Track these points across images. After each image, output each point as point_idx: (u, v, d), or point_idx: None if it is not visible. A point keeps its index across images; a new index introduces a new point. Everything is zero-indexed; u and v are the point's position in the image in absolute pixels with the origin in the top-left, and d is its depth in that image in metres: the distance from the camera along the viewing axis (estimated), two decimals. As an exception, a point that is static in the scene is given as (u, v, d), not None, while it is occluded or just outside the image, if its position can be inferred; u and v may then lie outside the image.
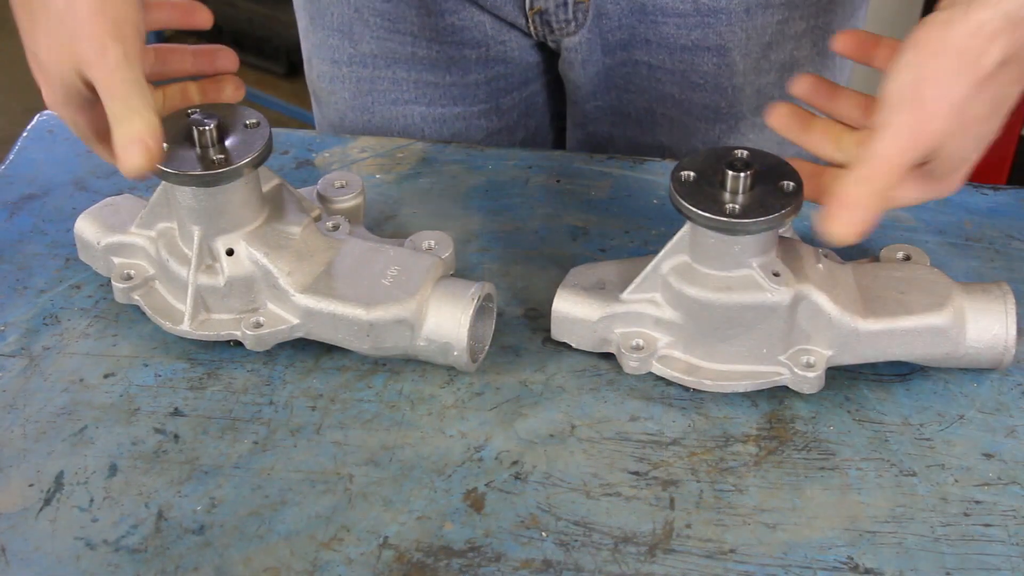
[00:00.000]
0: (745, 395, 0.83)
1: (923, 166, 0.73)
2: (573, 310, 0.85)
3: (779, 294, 0.79)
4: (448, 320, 0.81)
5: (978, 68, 0.69)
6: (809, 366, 0.80)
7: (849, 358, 0.82)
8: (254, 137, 0.81)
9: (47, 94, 0.81)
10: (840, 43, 0.80)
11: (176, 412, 0.82)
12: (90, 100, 0.80)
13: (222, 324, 0.85)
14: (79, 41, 0.77)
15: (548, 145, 1.24)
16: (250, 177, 0.82)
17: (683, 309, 0.81)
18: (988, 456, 0.79)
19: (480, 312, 0.84)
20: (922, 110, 0.70)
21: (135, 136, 0.76)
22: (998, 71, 0.70)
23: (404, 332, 0.82)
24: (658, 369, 0.83)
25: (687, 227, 0.80)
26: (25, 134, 1.08)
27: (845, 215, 0.72)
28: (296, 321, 0.83)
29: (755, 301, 0.79)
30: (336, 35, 1.11)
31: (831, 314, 0.79)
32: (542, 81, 1.16)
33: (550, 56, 1.14)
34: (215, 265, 0.83)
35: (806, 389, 0.81)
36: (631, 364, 0.83)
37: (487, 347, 0.86)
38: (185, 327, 0.85)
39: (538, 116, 1.20)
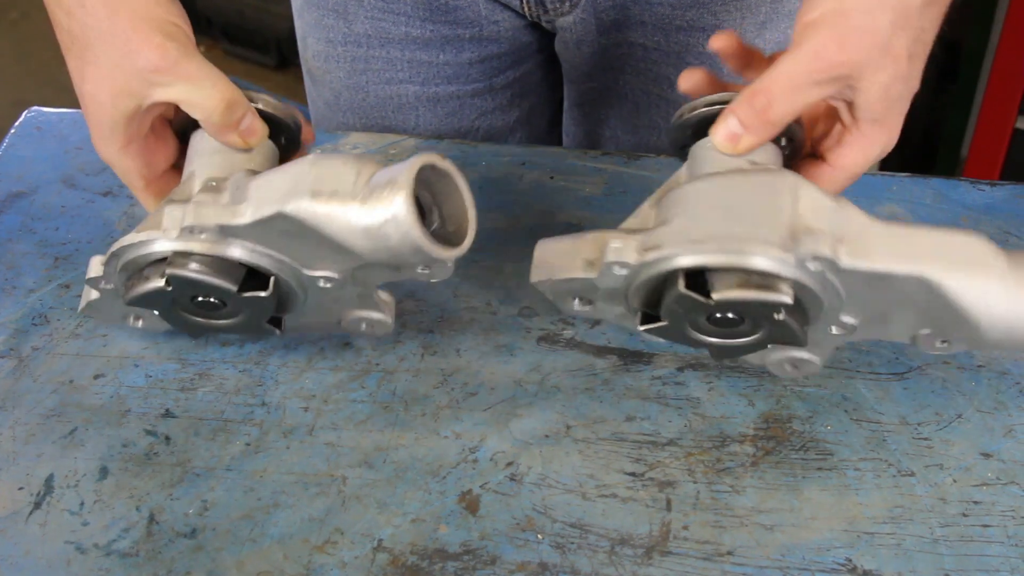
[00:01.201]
0: (742, 395, 0.83)
1: (848, 105, 0.73)
2: (558, 243, 0.78)
3: (780, 172, 0.73)
4: (389, 172, 0.71)
5: (902, 4, 0.70)
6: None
7: (855, 257, 0.70)
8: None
9: (96, 132, 0.79)
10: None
11: (167, 413, 0.82)
12: (139, 137, 0.79)
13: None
14: (131, 56, 0.74)
15: (544, 125, 1.23)
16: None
17: (680, 207, 0.73)
18: (987, 456, 0.79)
19: (446, 186, 0.74)
20: (840, 36, 0.70)
21: (242, 112, 0.77)
22: (921, 11, 0.70)
23: (346, 178, 0.72)
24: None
25: (684, 165, 0.78)
26: (13, 131, 1.07)
27: (731, 123, 0.73)
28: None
29: (758, 176, 0.73)
30: (330, 15, 1.11)
31: (826, 198, 0.71)
32: (537, 60, 1.16)
33: (544, 36, 1.14)
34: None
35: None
36: (615, 245, 0.73)
37: (472, 225, 0.75)
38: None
39: (533, 96, 1.19)
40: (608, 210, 0.98)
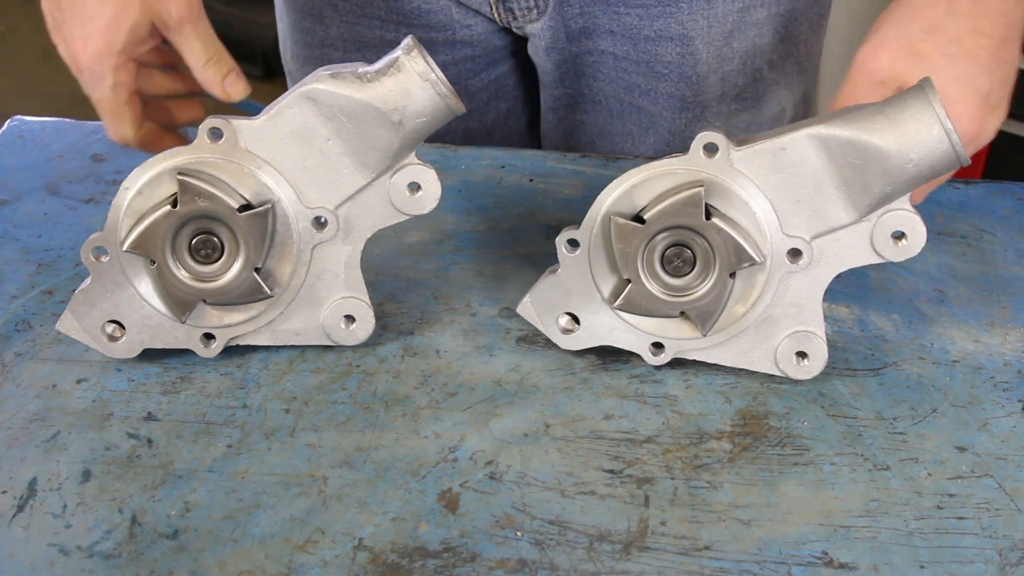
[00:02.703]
0: (719, 392, 0.84)
1: None
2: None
3: None
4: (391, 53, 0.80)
5: (930, 16, 0.84)
6: None
7: (742, 144, 0.80)
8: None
9: (100, 48, 0.84)
10: None
11: (149, 417, 0.82)
12: (133, 58, 0.85)
13: None
14: (164, 3, 0.85)
15: (522, 128, 1.24)
16: None
17: None
18: (961, 449, 0.80)
19: (429, 60, 0.80)
20: (874, 48, 0.85)
21: (231, 68, 0.89)
22: (948, 19, 0.84)
23: (357, 66, 0.81)
24: None
25: None
26: (-4, 139, 1.08)
27: None
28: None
29: None
30: (307, 18, 1.13)
31: None
32: (510, 64, 1.18)
33: (517, 40, 1.15)
34: None
35: None
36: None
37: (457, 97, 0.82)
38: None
39: (509, 99, 1.21)
40: (587, 212, 0.99)
